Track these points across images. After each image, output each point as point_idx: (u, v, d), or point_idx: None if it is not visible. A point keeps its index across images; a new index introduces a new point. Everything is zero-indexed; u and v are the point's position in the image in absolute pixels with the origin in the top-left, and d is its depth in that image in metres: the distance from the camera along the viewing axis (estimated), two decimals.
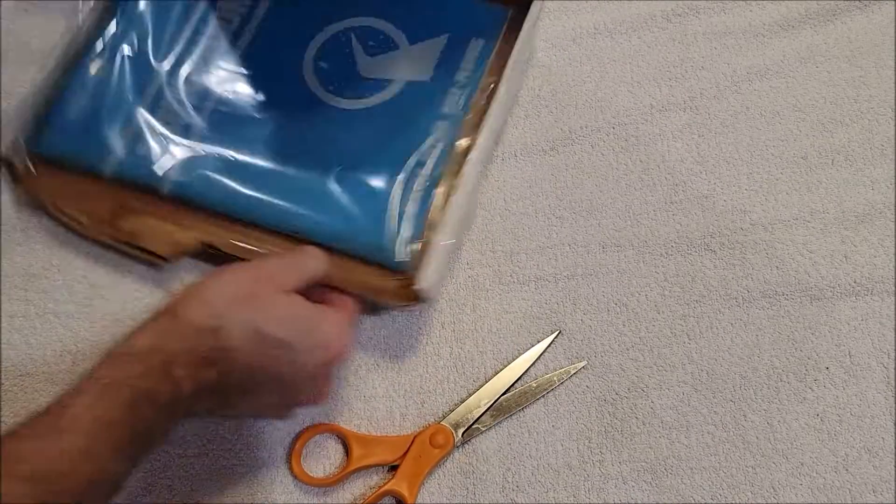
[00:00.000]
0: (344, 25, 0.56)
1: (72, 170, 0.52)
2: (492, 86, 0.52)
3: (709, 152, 0.55)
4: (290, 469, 0.48)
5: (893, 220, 0.53)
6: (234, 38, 0.55)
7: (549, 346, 0.51)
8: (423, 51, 0.55)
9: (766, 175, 0.55)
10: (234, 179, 0.51)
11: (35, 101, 0.52)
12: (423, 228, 0.50)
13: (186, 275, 0.52)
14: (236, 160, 0.52)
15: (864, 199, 0.54)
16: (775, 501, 0.48)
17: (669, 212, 0.54)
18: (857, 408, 0.50)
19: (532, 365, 0.50)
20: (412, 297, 0.47)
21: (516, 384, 0.50)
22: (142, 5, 0.55)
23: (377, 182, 0.51)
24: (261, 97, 0.54)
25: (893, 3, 0.58)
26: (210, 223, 0.51)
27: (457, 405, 0.50)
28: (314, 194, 0.51)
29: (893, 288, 0.52)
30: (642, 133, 0.56)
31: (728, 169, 0.55)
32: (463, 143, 0.52)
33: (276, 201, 0.50)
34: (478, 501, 0.48)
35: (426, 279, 0.47)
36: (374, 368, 0.51)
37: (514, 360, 0.51)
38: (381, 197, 0.51)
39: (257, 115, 0.53)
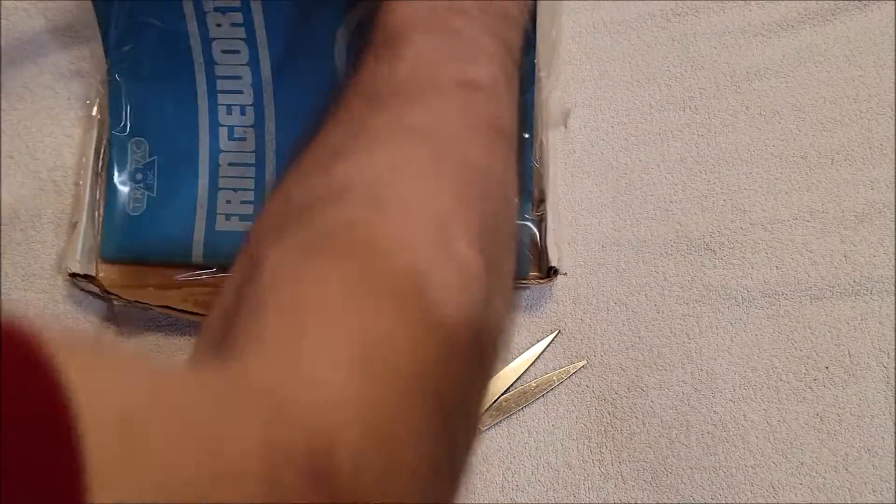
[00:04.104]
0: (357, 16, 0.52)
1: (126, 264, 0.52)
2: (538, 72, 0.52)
3: (708, 152, 0.55)
4: None
5: (893, 219, 0.53)
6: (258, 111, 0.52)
7: (548, 345, 0.51)
8: None
9: (765, 175, 0.55)
10: None
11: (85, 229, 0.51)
12: (529, 220, 0.51)
13: None
14: None
15: (863, 199, 0.54)
16: (775, 501, 0.48)
17: (669, 212, 0.54)
18: (857, 407, 0.50)
19: (532, 364, 0.50)
20: (552, 275, 0.50)
21: (516, 384, 0.50)
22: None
23: None
24: None
25: (893, 3, 0.58)
26: None
27: None
28: None
29: (893, 288, 0.52)
30: (642, 132, 0.56)
31: (728, 169, 0.55)
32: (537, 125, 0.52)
33: None
34: (478, 501, 0.48)
35: (556, 258, 0.50)
36: None
37: (513, 359, 0.51)
38: None
39: None
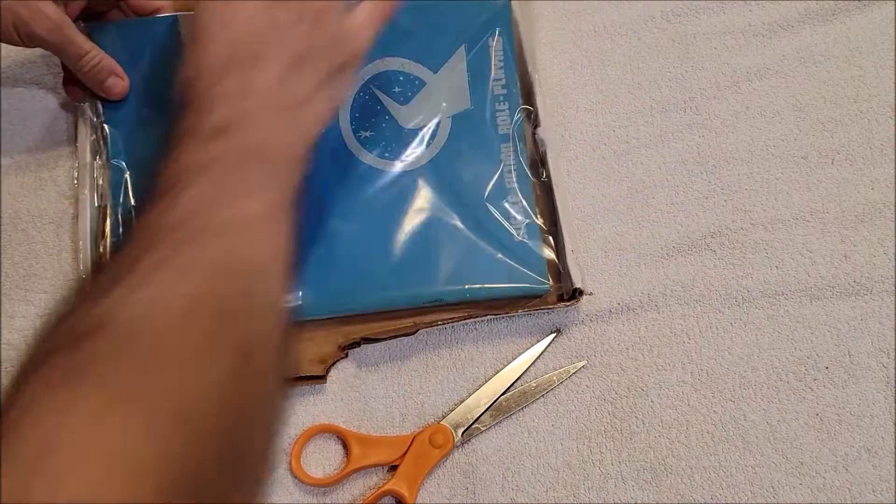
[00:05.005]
0: (360, 83, 0.53)
1: None
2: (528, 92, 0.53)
3: (709, 152, 0.55)
4: (290, 469, 0.48)
5: (893, 219, 0.53)
6: None
7: (548, 345, 0.51)
8: (449, 74, 0.53)
9: (765, 175, 0.55)
10: (360, 283, 0.50)
11: None
12: (541, 242, 0.51)
13: None
14: (346, 268, 0.50)
15: (863, 199, 0.54)
16: (775, 501, 0.48)
17: (671, 213, 0.54)
18: (857, 407, 0.50)
19: (532, 364, 0.50)
20: (577, 297, 0.50)
21: (516, 384, 0.50)
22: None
23: (478, 228, 0.51)
24: (335, 201, 0.51)
25: (893, 2, 0.58)
26: (344, 326, 0.51)
27: (457, 405, 0.50)
28: (426, 264, 0.50)
29: (893, 288, 0.52)
30: (643, 134, 0.56)
31: (728, 169, 0.55)
32: (532, 154, 0.53)
33: (398, 293, 0.50)
34: (478, 501, 0.48)
35: (579, 279, 0.50)
36: (374, 369, 0.51)
37: (513, 359, 0.51)
38: (494, 241, 0.51)
39: (339, 221, 0.51)
